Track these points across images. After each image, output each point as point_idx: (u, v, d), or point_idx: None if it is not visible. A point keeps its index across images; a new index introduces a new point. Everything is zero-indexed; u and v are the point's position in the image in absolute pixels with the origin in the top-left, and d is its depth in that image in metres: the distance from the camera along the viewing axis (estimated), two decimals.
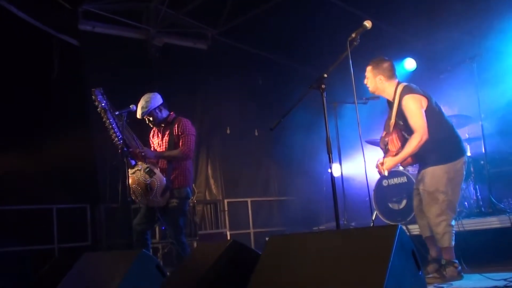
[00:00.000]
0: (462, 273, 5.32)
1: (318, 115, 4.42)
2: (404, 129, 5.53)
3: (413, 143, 5.31)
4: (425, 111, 5.40)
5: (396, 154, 5.50)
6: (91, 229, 9.31)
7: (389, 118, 5.70)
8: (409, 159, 5.52)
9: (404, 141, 5.49)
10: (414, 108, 5.37)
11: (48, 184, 8.78)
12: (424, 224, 5.59)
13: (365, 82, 5.74)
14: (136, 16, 10.23)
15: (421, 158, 5.47)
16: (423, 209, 5.49)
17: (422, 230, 5.68)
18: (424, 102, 5.43)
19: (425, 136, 5.29)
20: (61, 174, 8.88)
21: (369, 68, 5.66)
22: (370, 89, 5.73)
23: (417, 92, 5.44)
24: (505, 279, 4.68)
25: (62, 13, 9.40)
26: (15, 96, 8.58)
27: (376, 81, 5.61)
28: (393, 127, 5.61)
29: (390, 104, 5.70)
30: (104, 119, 5.96)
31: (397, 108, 5.51)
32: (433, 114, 5.45)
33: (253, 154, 11.68)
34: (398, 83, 5.60)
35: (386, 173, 5.57)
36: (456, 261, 5.36)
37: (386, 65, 5.63)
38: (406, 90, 5.46)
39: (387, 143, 5.66)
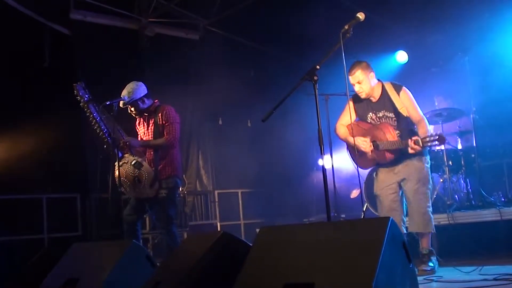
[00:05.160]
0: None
1: (310, 107, 4.40)
2: (392, 122, 5.59)
3: (427, 127, 5.51)
4: None
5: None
6: (81, 219, 9.29)
7: (373, 112, 5.72)
8: (391, 155, 5.53)
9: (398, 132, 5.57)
10: (413, 99, 5.62)
11: (38, 173, 8.75)
12: (400, 221, 5.62)
13: (357, 90, 5.68)
14: (128, 6, 10.17)
15: (403, 151, 5.50)
16: (409, 197, 5.57)
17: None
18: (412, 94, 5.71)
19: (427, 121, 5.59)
20: (51, 164, 8.85)
21: (358, 72, 5.59)
22: (365, 92, 5.65)
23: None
24: (495, 273, 4.70)
25: (54, 2, 9.34)
26: (5, 85, 8.53)
27: (369, 79, 5.61)
28: (383, 120, 5.62)
29: (368, 102, 5.75)
30: (87, 114, 5.93)
31: (389, 102, 5.60)
32: None
33: (245, 145, 11.65)
34: (381, 81, 5.74)
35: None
36: (433, 249, 5.57)
37: (366, 63, 5.71)
38: (398, 85, 5.67)
39: (383, 131, 5.58)
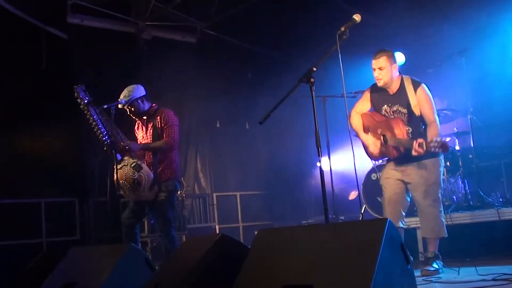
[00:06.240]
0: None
1: (308, 109, 4.40)
2: (404, 118, 5.54)
3: (437, 131, 5.41)
4: None
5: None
6: (80, 223, 9.28)
7: (388, 104, 5.66)
8: (396, 152, 5.48)
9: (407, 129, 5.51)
10: (430, 99, 5.52)
11: (37, 177, 8.74)
12: (398, 214, 5.58)
13: (376, 75, 5.59)
14: (125, 10, 10.18)
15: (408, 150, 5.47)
16: (421, 206, 5.53)
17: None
18: (430, 93, 5.60)
19: (439, 125, 5.50)
20: (49, 168, 8.84)
21: (383, 58, 5.52)
22: (383, 81, 5.56)
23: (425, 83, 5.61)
24: (494, 273, 4.71)
25: (51, 6, 9.34)
26: (2, 89, 8.53)
27: (391, 70, 5.54)
28: (396, 115, 5.59)
29: (385, 94, 5.69)
30: (87, 116, 5.93)
31: (405, 98, 5.53)
32: None
33: (243, 148, 11.68)
34: (401, 75, 5.65)
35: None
36: (439, 253, 5.52)
37: (392, 53, 5.64)
38: (417, 80, 5.57)
39: (393, 127, 5.52)
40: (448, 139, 5.36)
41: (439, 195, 5.52)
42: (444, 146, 5.06)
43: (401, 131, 5.42)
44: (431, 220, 5.49)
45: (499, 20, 8.64)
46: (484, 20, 8.60)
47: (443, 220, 5.53)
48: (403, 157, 5.53)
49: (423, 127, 5.57)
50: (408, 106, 5.51)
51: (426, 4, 9.01)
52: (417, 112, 5.48)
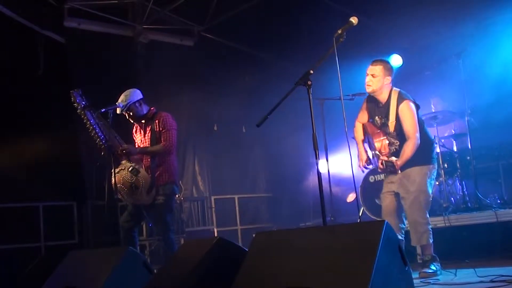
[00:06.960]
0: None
1: (305, 112, 4.41)
2: (389, 133, 5.55)
3: (410, 148, 5.40)
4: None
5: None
6: (78, 226, 9.27)
7: (378, 116, 5.69)
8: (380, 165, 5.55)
9: (389, 143, 5.51)
10: (412, 115, 5.49)
11: (35, 181, 8.74)
12: (396, 225, 5.61)
13: (367, 81, 5.62)
14: (122, 13, 10.18)
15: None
16: (406, 209, 5.54)
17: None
18: (415, 110, 5.56)
19: (418, 142, 5.42)
20: (47, 172, 8.84)
21: (380, 67, 5.56)
22: (372, 88, 5.60)
23: (412, 100, 5.56)
24: (492, 275, 4.71)
25: (47, 9, 9.34)
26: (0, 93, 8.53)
27: (383, 80, 5.57)
28: (382, 128, 5.61)
29: (377, 105, 5.72)
30: (84, 121, 5.93)
31: (390, 112, 5.55)
32: (418, 119, 5.58)
33: (240, 151, 11.68)
34: (392, 87, 5.65)
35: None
36: (435, 255, 5.51)
37: (391, 66, 5.68)
38: (403, 96, 5.56)
39: (373, 138, 5.59)
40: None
41: (425, 204, 5.51)
42: (393, 169, 5.32)
43: (381, 144, 5.48)
44: (414, 228, 5.52)
45: (496, 22, 8.65)
46: (481, 22, 8.61)
47: (427, 227, 5.51)
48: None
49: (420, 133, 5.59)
50: (391, 119, 5.57)
51: (423, 6, 9.02)
52: (391, 129, 5.53)
